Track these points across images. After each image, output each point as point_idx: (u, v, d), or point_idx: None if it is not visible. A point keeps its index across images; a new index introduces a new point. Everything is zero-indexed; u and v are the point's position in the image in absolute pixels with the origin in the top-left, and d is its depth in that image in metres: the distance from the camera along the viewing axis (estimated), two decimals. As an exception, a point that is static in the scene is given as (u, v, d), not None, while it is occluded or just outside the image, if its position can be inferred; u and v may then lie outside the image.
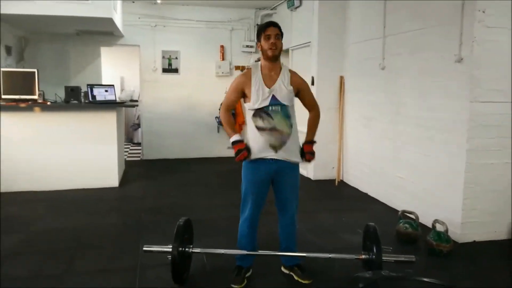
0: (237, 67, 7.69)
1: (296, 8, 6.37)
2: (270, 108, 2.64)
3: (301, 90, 2.80)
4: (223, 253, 2.87)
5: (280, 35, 2.66)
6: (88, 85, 5.30)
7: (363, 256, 2.75)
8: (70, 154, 5.22)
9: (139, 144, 8.50)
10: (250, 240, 2.87)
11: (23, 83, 5.02)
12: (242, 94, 2.71)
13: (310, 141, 2.88)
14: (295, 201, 2.87)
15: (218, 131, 7.72)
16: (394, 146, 4.58)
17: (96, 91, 5.30)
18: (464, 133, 3.49)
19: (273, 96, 2.65)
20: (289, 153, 2.72)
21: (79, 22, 5.68)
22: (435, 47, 3.86)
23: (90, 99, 5.23)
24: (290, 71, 2.78)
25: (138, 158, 7.70)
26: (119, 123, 5.60)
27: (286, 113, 2.69)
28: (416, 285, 2.25)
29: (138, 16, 7.17)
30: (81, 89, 5.37)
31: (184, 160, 7.50)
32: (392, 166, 4.63)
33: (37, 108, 5.05)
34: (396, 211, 4.18)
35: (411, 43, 4.23)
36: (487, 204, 3.58)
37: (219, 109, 7.27)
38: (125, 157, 7.46)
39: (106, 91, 5.40)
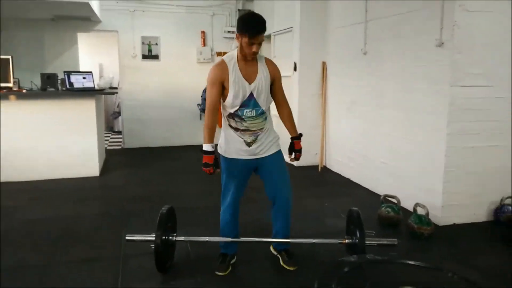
0: (218, 53, 7.58)
1: (278, -8, 6.29)
2: (244, 111, 2.57)
3: (275, 80, 2.67)
4: (207, 241, 2.85)
5: (263, 38, 2.50)
6: (65, 72, 5.15)
7: (347, 241, 2.78)
8: (49, 143, 5.09)
9: (119, 132, 8.36)
10: (232, 227, 2.85)
11: (-4, 70, 4.85)
12: (221, 86, 2.57)
13: (298, 137, 2.85)
14: (287, 185, 2.78)
15: (200, 118, 7.63)
16: (377, 131, 4.61)
17: (73, 78, 5.17)
18: (444, 117, 3.53)
19: (251, 94, 2.55)
20: (265, 147, 2.69)
21: (54, 7, 5.49)
22: (416, 31, 3.87)
23: (68, 86, 5.09)
24: (266, 59, 2.65)
25: (119, 147, 7.58)
26: (98, 111, 5.48)
27: (261, 115, 2.62)
28: (401, 268, 2.28)
29: (116, 1, 6.97)
30: (58, 76, 5.23)
31: (166, 148, 7.41)
32: (374, 151, 4.67)
33: (12, 96, 4.89)
34: (378, 195, 4.23)
35: (393, 27, 4.23)
36: (467, 187, 3.64)
37: (202, 96, 7.17)
38: (106, 146, 7.33)
39: (84, 78, 5.27)
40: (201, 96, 7.50)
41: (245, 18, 2.50)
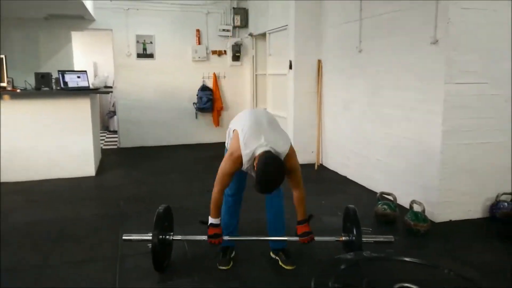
0: (214, 52, 7.57)
1: (273, -10, 6.28)
2: None
3: (291, 172, 2.56)
4: (204, 239, 2.83)
5: None
6: (59, 71, 5.12)
7: (343, 238, 2.80)
8: (43, 143, 5.06)
9: (115, 132, 8.33)
10: (229, 221, 2.89)
11: (-11, 70, 4.81)
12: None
13: (305, 220, 2.70)
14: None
15: (196, 117, 7.62)
16: (372, 129, 4.62)
17: (68, 77, 5.13)
18: (439, 114, 3.54)
19: None
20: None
21: (48, 5, 5.45)
22: (411, 29, 3.88)
23: (62, 85, 5.06)
24: (286, 157, 2.47)
25: (115, 147, 7.55)
26: (93, 110, 5.45)
27: None
28: (398, 265, 2.27)
29: (110, -1, 6.94)
30: (52, 76, 5.19)
31: (162, 147, 7.39)
32: (370, 148, 4.68)
33: (6, 96, 4.85)
34: (375, 193, 4.24)
35: (388, 25, 4.23)
36: (463, 184, 3.66)
37: (197, 95, 7.17)
38: (101, 145, 7.30)
39: (79, 77, 5.24)
40: (197, 95, 7.49)
41: (263, 175, 2.29)
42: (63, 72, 5.13)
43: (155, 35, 7.27)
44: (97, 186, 4.96)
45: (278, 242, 2.95)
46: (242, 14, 7.44)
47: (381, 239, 2.78)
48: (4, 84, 4.81)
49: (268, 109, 6.90)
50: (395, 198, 3.72)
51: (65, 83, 5.09)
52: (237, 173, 2.64)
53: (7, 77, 4.84)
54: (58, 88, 5.10)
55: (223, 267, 2.80)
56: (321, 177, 5.41)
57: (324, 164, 5.86)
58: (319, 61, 5.75)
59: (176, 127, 7.58)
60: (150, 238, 2.60)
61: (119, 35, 7.12)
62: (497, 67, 3.56)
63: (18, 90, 4.90)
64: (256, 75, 7.58)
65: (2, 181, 4.89)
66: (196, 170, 5.82)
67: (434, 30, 3.52)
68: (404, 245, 3.23)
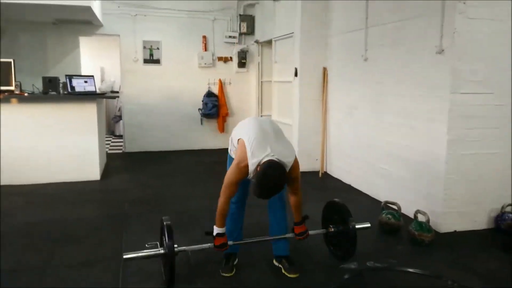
0: (220, 58, 7.60)
1: (279, -2, 6.32)
2: None
3: (293, 181, 2.67)
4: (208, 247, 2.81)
5: None
6: (66, 75, 5.16)
7: (333, 229, 3.01)
8: (50, 147, 5.10)
9: (120, 136, 8.36)
10: (233, 227, 2.89)
11: (-2, 73, 4.86)
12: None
13: (302, 221, 2.85)
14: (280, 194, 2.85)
15: (201, 123, 7.65)
16: (377, 137, 4.61)
17: (75, 82, 5.18)
18: (445, 124, 3.53)
19: None
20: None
21: (56, 10, 5.52)
22: (416, 38, 3.88)
23: (69, 90, 5.10)
24: (290, 170, 2.53)
25: (120, 151, 7.58)
26: (99, 115, 5.49)
27: None
28: (401, 275, 2.28)
29: (118, 5, 7.00)
30: (59, 80, 5.24)
31: (167, 152, 7.41)
32: (375, 157, 4.67)
33: (14, 100, 4.90)
34: (379, 201, 4.23)
35: (393, 34, 4.24)
36: (468, 194, 3.63)
37: (202, 101, 7.19)
38: (107, 150, 7.34)
39: (86, 82, 5.28)
40: (202, 101, 7.53)
41: (263, 179, 2.35)
42: (70, 77, 5.17)
43: (162, 41, 7.33)
44: (101, 190, 4.98)
45: (281, 250, 2.96)
46: (248, 21, 7.49)
47: (360, 226, 2.96)
48: (12, 88, 4.85)
49: (273, 116, 6.92)
50: (399, 208, 3.70)
51: (72, 88, 5.13)
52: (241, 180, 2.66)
53: (15, 81, 4.89)
54: (65, 92, 5.14)
55: (226, 274, 2.81)
56: (325, 184, 5.40)
57: (328, 171, 5.85)
58: (325, 69, 5.76)
59: (181, 133, 7.61)
60: (152, 253, 2.60)
61: (127, 41, 7.18)
62: (502, 77, 3.54)
63: (26, 94, 4.95)
64: (261, 82, 7.61)
65: (8, 183, 4.93)
66: (200, 175, 5.83)
67: (440, 40, 3.52)
68: (408, 255, 3.21)
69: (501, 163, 3.66)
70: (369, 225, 3.06)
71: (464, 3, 3.34)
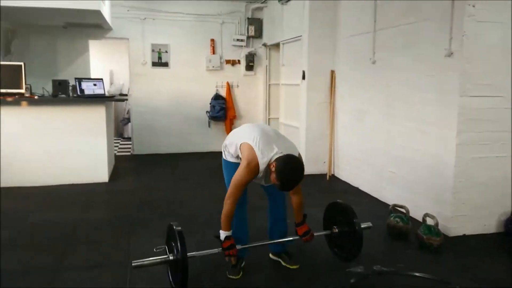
0: (227, 61, 7.63)
1: (287, 1, 6.33)
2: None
3: None
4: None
5: None
6: (76, 78, 5.21)
7: (336, 230, 3.01)
8: (59, 149, 5.14)
9: (129, 139, 8.41)
10: (242, 228, 2.92)
11: (9, 76, 4.92)
12: None
13: (303, 221, 2.89)
14: (281, 194, 2.93)
15: (209, 126, 7.67)
16: (385, 140, 4.59)
17: (84, 84, 5.22)
18: (454, 127, 3.50)
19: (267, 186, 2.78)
20: None
21: (66, 14, 5.57)
22: (425, 41, 3.86)
23: (79, 93, 5.15)
24: None
25: (129, 153, 7.63)
26: (108, 117, 5.53)
27: None
28: (408, 279, 2.26)
29: (127, 9, 7.05)
30: (69, 83, 5.29)
31: (175, 155, 7.44)
32: (383, 160, 4.65)
33: (24, 102, 4.96)
34: (387, 205, 4.20)
35: (402, 37, 4.23)
36: (477, 198, 3.60)
37: (210, 104, 7.20)
38: (115, 152, 7.38)
39: (95, 85, 5.32)
40: (210, 103, 7.55)
41: (287, 174, 2.45)
42: (80, 80, 5.22)
43: (170, 44, 7.37)
44: (109, 192, 5.01)
45: (279, 246, 3.03)
46: (256, 24, 7.50)
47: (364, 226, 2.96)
48: (22, 91, 4.92)
49: (281, 119, 6.93)
50: (407, 211, 3.68)
51: (82, 91, 5.18)
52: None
53: (25, 83, 4.95)
54: (75, 95, 5.19)
55: (234, 277, 2.82)
56: (332, 187, 5.39)
57: (336, 174, 5.83)
58: (333, 72, 5.75)
59: (189, 135, 7.64)
60: (162, 260, 2.60)
61: (135, 44, 7.24)
62: (512, 81, 3.52)
63: (36, 97, 5.01)
64: (269, 84, 7.62)
65: (18, 185, 4.98)
66: (208, 177, 5.84)
67: (449, 43, 3.51)
68: (416, 259, 3.18)
69: (511, 166, 3.62)
70: (370, 224, 3.07)
71: (474, 6, 3.32)
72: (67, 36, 6.99)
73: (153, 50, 7.32)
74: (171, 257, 2.58)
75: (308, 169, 5.95)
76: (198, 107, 7.59)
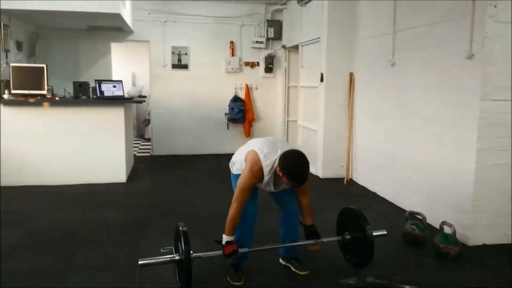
0: (247, 63, 7.63)
1: (306, 3, 6.27)
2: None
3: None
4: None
5: None
6: (96, 80, 5.31)
7: (348, 236, 2.94)
8: (78, 149, 5.25)
9: (149, 139, 8.52)
10: (244, 238, 2.86)
11: (32, 78, 5.06)
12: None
13: (313, 225, 2.85)
14: (293, 201, 2.87)
15: (227, 128, 7.69)
16: (404, 144, 4.48)
17: (104, 86, 5.31)
18: (474, 132, 3.37)
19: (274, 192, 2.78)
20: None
21: (88, 17, 5.69)
22: (445, 43, 3.74)
23: (98, 94, 5.24)
24: None
25: (148, 154, 7.72)
26: (127, 118, 5.61)
27: None
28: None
29: (148, 12, 7.16)
30: (89, 85, 5.40)
31: (193, 156, 7.48)
32: (401, 164, 4.53)
33: (45, 103, 5.09)
34: (404, 211, 4.08)
35: (421, 38, 4.11)
36: (498, 206, 3.46)
37: (229, 105, 7.24)
38: (135, 152, 7.49)
39: (114, 86, 5.41)
40: (228, 105, 7.56)
41: (292, 164, 2.47)
42: (99, 82, 5.31)
43: (190, 47, 7.43)
44: (126, 193, 5.07)
45: (290, 251, 3.00)
46: (276, 26, 7.47)
47: (375, 234, 2.85)
48: (44, 92, 5.04)
49: (299, 122, 6.87)
50: (424, 218, 3.56)
51: (101, 92, 5.27)
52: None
53: (47, 85, 5.07)
54: (95, 96, 5.28)
55: (236, 283, 2.77)
56: (349, 192, 5.29)
57: (353, 178, 5.73)
58: (351, 74, 5.66)
59: (207, 137, 7.67)
60: (167, 259, 2.61)
61: (156, 46, 7.33)
62: (537, 84, 3.36)
63: (57, 98, 5.12)
64: (288, 87, 7.57)
65: (37, 184, 5.12)
66: (224, 180, 5.80)
67: (470, 44, 3.38)
68: (432, 268, 3.08)
69: (535, 174, 3.46)
70: (385, 232, 2.97)
71: (495, 6, 3.19)
72: (89, 38, 7.15)
73: (173, 53, 7.40)
74: (176, 257, 2.58)
75: (326, 173, 5.93)
76: (216, 109, 7.61)
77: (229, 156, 3.17)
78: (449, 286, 2.59)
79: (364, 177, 5.45)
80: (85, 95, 5.31)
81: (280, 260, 3.07)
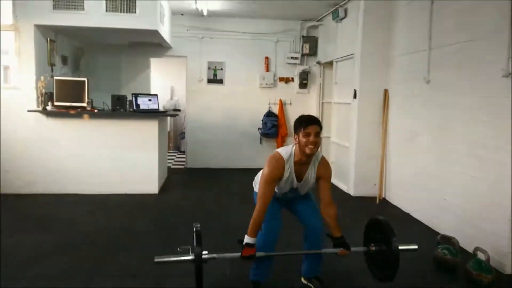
0: (281, 79, 7.66)
1: (341, 19, 6.24)
2: (285, 194, 2.80)
3: (322, 178, 2.72)
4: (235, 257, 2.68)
5: (319, 131, 2.57)
6: (133, 94, 5.50)
7: (374, 248, 2.80)
8: (114, 160, 5.45)
9: (185, 152, 8.67)
10: (264, 257, 2.80)
11: (74, 91, 5.31)
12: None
13: (341, 237, 2.76)
14: (317, 212, 2.82)
15: (260, 143, 7.72)
16: (439, 165, 4.31)
17: (140, 100, 5.49)
18: (511, 153, 3.20)
19: (296, 188, 2.75)
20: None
21: (128, 34, 5.94)
22: (481, 60, 3.61)
23: (134, 107, 5.42)
24: (321, 159, 2.73)
25: (183, 166, 7.87)
26: (161, 131, 5.76)
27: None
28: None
29: (187, 28, 7.38)
30: (126, 98, 5.59)
31: (226, 170, 7.55)
32: (436, 185, 4.36)
33: (85, 115, 5.33)
34: (438, 234, 3.91)
35: (457, 56, 3.98)
36: (539, 233, 3.24)
37: (262, 120, 7.29)
38: (170, 165, 7.66)
39: (150, 100, 5.57)
40: (262, 120, 7.60)
41: (299, 117, 2.64)
42: (136, 95, 5.50)
43: (226, 62, 7.57)
44: (157, 204, 5.17)
45: (312, 270, 2.94)
46: (311, 42, 7.47)
47: (404, 247, 2.71)
48: (84, 105, 5.28)
49: (332, 138, 6.79)
50: (457, 242, 3.39)
51: (137, 105, 5.44)
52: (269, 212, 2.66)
53: (87, 98, 5.31)
54: (131, 109, 5.47)
55: None
56: (382, 211, 5.12)
57: (387, 198, 5.56)
58: (386, 91, 5.55)
59: (240, 151, 7.73)
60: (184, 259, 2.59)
61: (193, 62, 7.52)
62: None
63: (96, 110, 5.35)
64: (322, 103, 7.51)
65: (74, 192, 5.34)
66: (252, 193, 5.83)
67: (507, 62, 3.24)
68: (463, 296, 2.92)
69: None
70: (416, 246, 2.80)
71: (535, 22, 3.05)
72: (130, 54, 7.45)
73: (209, 68, 7.56)
74: (191, 257, 2.55)
75: (357, 191, 5.80)
76: (250, 124, 7.67)
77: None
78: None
79: (398, 197, 5.28)
80: (122, 108, 5.50)
81: (302, 279, 3.02)
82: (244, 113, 7.68)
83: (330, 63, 6.98)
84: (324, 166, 2.70)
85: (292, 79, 7.68)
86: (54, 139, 5.33)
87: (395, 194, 5.38)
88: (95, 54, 7.28)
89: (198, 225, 2.63)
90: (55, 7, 5.15)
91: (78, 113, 5.26)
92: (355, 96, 5.64)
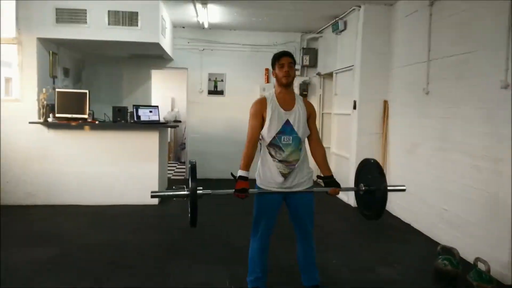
0: (281, 90, 7.70)
1: (341, 31, 6.31)
2: (282, 138, 2.70)
3: (310, 117, 2.82)
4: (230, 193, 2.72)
5: (293, 63, 2.74)
6: (134, 105, 5.54)
7: (364, 188, 2.81)
8: (115, 171, 5.46)
9: (185, 163, 8.70)
10: (259, 261, 2.87)
11: (75, 103, 5.34)
12: (262, 119, 2.74)
13: (331, 176, 2.84)
14: (310, 222, 2.87)
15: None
16: (439, 175, 4.32)
17: (141, 111, 5.52)
18: (510, 163, 3.22)
19: (287, 121, 2.69)
20: (298, 181, 2.77)
21: (129, 46, 6.00)
22: (480, 72, 3.64)
23: (135, 119, 5.45)
24: (304, 99, 2.88)
25: (183, 177, 7.87)
26: (161, 142, 5.78)
27: (297, 144, 2.72)
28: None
29: (188, 41, 7.45)
30: (127, 109, 5.63)
31: (226, 180, 7.48)
32: (436, 196, 4.36)
33: (86, 127, 5.36)
34: (438, 244, 3.91)
35: (456, 67, 4.02)
36: (539, 243, 3.24)
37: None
38: (170, 175, 7.66)
39: (151, 111, 5.61)
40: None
41: (274, 54, 2.82)
42: (137, 107, 5.54)
43: (226, 73, 7.63)
44: (157, 215, 5.17)
45: (311, 279, 2.93)
46: (311, 54, 7.54)
47: (392, 188, 2.82)
48: (85, 116, 5.31)
49: (332, 149, 6.80)
50: (457, 253, 3.37)
51: (138, 117, 5.48)
52: (266, 212, 2.80)
53: (89, 109, 5.35)
54: (132, 121, 5.50)
55: None
56: (382, 223, 5.10)
57: (387, 209, 5.55)
58: (385, 102, 5.58)
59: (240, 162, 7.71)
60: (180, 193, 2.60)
61: (194, 73, 7.58)
62: None
63: (97, 122, 5.38)
64: (322, 113, 7.55)
65: (75, 203, 5.35)
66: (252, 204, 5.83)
67: (505, 74, 3.27)
68: (464, 307, 2.91)
69: None
70: (404, 187, 2.93)
71: (532, 34, 3.09)
72: (131, 66, 7.51)
73: (209, 79, 7.62)
74: (186, 192, 2.55)
75: (358, 202, 5.77)
76: (250, 135, 7.67)
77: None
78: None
79: (398, 208, 5.28)
80: (123, 119, 5.54)
81: None
82: (244, 124, 7.52)
83: (330, 75, 7.03)
84: (310, 104, 2.86)
85: (292, 91, 7.71)
86: (55, 150, 5.35)
87: (395, 204, 5.37)
88: (97, 66, 7.34)
89: (194, 161, 2.66)
90: (58, 20, 5.22)
91: (79, 124, 5.29)
92: (354, 107, 5.68)
